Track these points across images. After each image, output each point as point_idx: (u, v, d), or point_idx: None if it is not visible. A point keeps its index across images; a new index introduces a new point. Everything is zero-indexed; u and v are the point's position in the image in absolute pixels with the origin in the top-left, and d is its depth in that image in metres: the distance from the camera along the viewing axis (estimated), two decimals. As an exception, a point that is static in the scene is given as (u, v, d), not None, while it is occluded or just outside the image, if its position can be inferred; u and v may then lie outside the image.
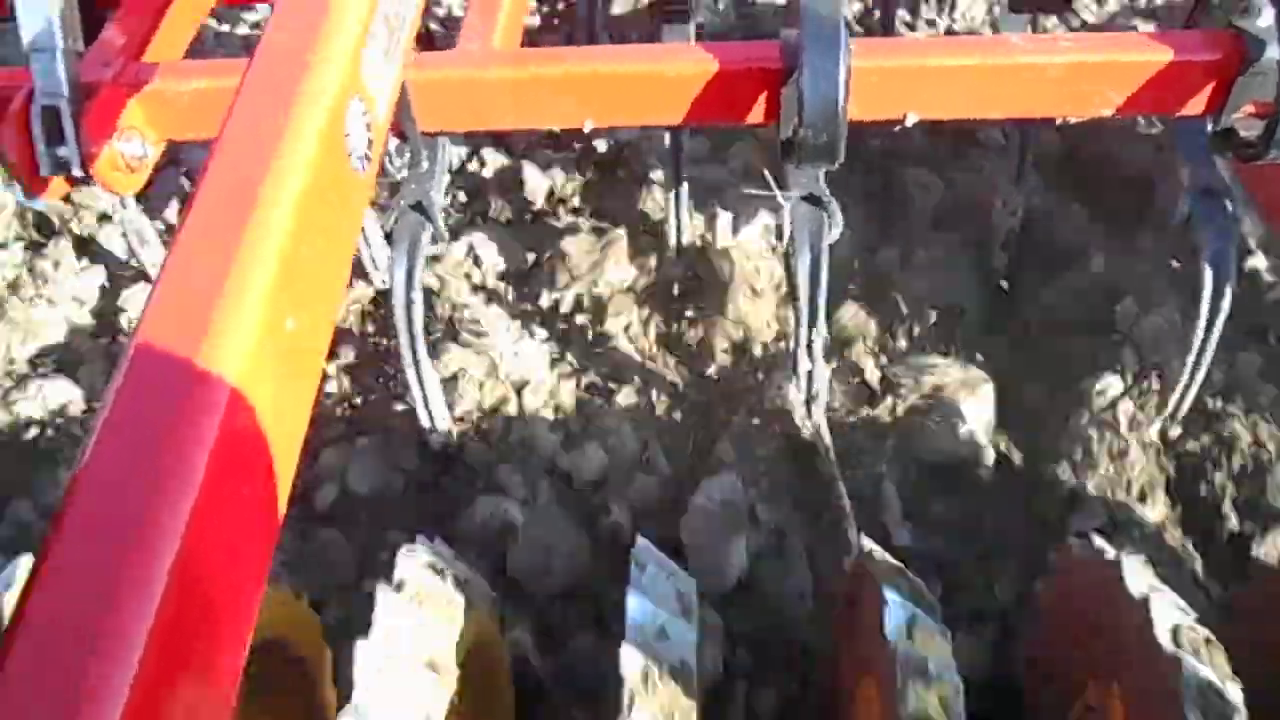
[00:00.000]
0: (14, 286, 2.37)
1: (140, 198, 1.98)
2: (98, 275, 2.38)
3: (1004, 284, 2.30)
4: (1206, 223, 1.76)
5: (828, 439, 1.98)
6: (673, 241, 2.28)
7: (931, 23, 2.73)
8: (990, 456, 2.02)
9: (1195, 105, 1.57)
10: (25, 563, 1.29)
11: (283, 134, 0.99)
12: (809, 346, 1.81)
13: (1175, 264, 2.22)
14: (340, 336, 2.26)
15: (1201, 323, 1.78)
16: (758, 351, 2.18)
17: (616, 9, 2.95)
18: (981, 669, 1.70)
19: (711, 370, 2.17)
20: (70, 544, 0.76)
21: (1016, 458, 2.05)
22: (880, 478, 1.99)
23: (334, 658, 1.51)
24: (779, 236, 1.78)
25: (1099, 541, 1.36)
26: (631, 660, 1.16)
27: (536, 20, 2.97)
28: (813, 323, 1.76)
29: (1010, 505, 1.98)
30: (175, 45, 1.85)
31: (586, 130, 1.70)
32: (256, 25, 3.03)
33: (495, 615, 1.50)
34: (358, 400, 2.18)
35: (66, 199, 2.31)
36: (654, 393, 2.14)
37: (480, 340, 2.17)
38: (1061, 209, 2.37)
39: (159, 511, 0.77)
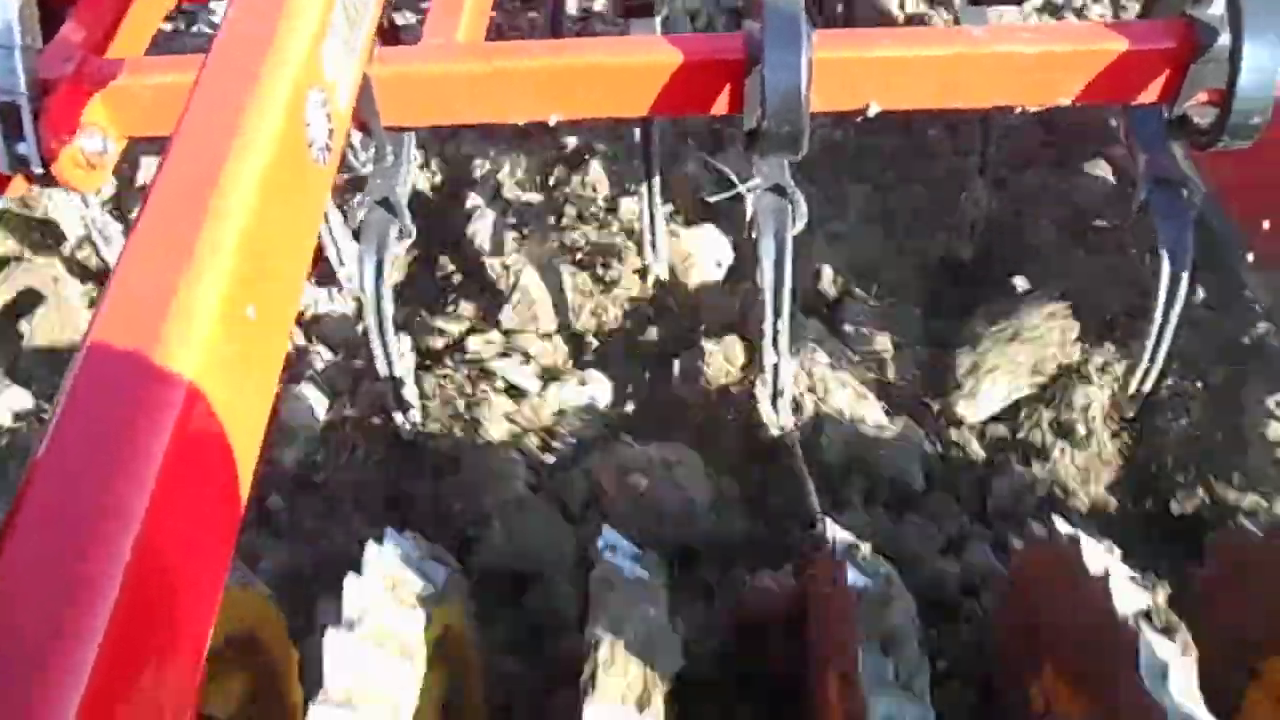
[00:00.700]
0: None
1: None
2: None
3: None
4: (1163, 210, 1.79)
5: (794, 432, 1.99)
6: (648, 239, 2.27)
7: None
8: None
9: (1151, 93, 1.60)
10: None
11: (242, 123, 0.99)
12: (774, 339, 1.82)
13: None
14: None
15: (1159, 308, 1.81)
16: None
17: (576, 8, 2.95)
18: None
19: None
20: (27, 534, 0.76)
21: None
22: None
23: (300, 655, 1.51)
24: (744, 227, 1.79)
25: (1059, 522, 1.38)
26: (599, 641, 1.17)
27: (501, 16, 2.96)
28: (777, 314, 1.77)
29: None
30: (136, 42, 1.83)
31: (552, 124, 1.70)
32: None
33: (467, 606, 1.50)
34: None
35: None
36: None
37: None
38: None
39: (117, 500, 0.77)
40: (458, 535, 1.91)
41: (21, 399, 2.16)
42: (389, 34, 2.00)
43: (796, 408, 2.01)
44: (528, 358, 2.17)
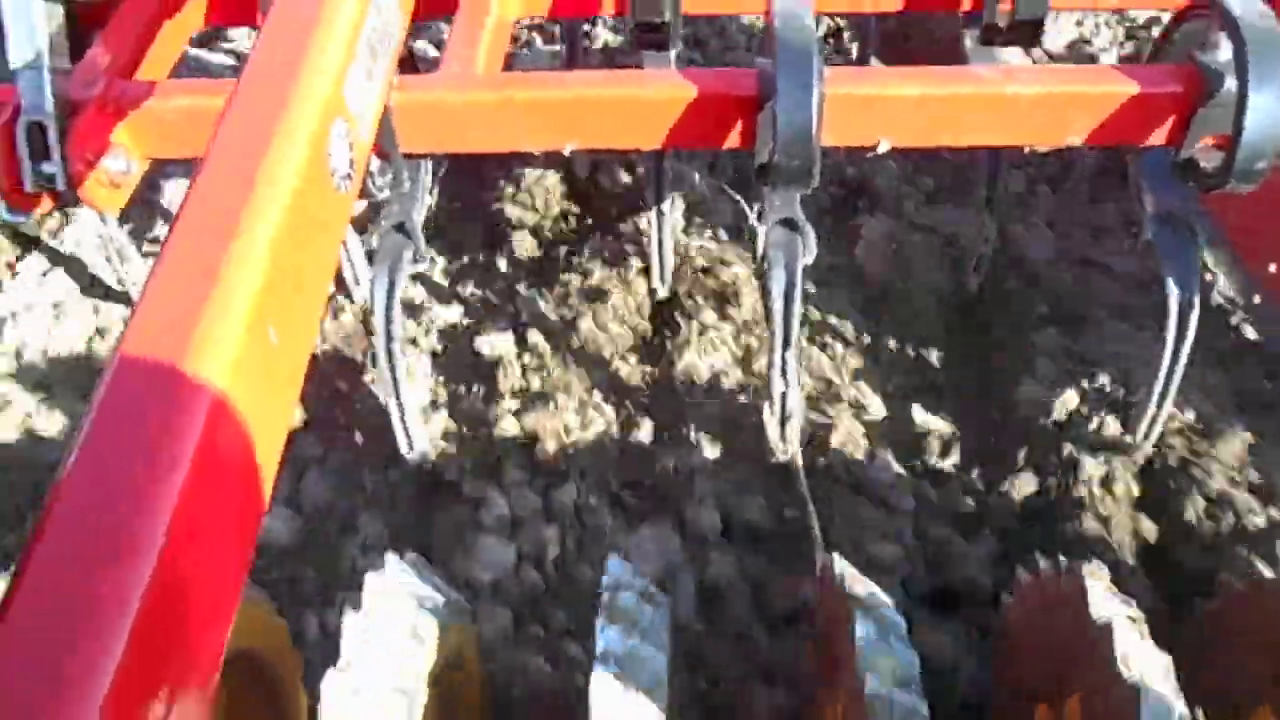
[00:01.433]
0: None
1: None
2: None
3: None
4: (1170, 249, 1.80)
5: (800, 460, 2.01)
6: (655, 265, 2.30)
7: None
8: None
9: (1158, 136, 1.62)
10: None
11: (267, 152, 1.01)
12: (783, 368, 1.84)
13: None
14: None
15: (1169, 348, 1.82)
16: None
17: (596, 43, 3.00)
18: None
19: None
20: (49, 554, 0.77)
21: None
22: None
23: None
24: (755, 260, 1.81)
25: (1064, 561, 1.38)
26: (601, 685, 1.17)
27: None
28: (786, 344, 1.79)
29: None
30: (161, 65, 1.87)
31: (567, 153, 1.73)
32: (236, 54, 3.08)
33: (471, 630, 1.51)
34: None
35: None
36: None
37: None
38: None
39: (139, 522, 0.78)
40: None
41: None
42: (408, 63, 2.03)
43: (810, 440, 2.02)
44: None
